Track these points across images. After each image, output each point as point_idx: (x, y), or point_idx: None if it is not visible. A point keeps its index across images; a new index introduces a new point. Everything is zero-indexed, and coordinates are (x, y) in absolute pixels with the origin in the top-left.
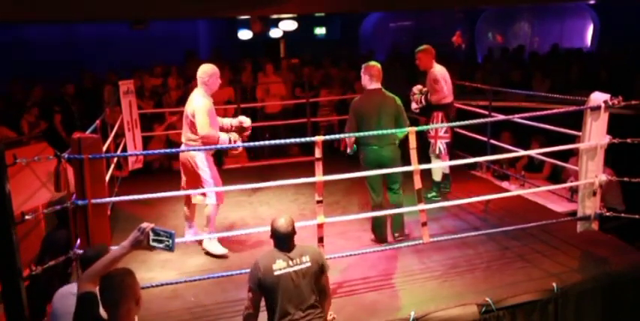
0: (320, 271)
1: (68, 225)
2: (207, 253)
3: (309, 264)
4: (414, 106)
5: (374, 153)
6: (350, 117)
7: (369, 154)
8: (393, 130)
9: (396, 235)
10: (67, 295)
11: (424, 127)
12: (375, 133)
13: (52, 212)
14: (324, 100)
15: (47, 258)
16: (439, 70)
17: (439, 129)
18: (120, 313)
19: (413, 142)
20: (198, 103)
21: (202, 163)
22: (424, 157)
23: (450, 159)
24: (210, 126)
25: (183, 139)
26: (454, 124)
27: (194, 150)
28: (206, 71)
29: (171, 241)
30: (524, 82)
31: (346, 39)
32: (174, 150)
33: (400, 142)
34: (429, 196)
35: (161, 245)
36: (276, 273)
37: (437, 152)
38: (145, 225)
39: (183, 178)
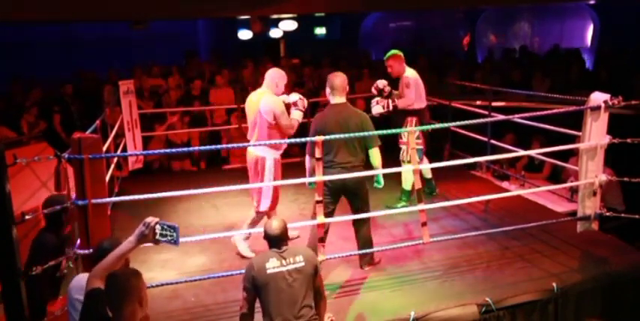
0: (314, 271)
1: (57, 228)
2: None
3: (302, 264)
4: (378, 110)
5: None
6: (310, 136)
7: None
8: (397, 130)
9: (365, 268)
10: (83, 284)
11: (424, 127)
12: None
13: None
14: (323, 101)
15: (36, 262)
16: (411, 75)
17: (412, 135)
18: (123, 314)
19: (413, 142)
20: (274, 103)
21: (270, 168)
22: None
23: (449, 159)
24: (290, 120)
25: (252, 140)
26: (454, 124)
27: (199, 150)
28: (283, 75)
29: (175, 234)
30: (524, 82)
31: (346, 39)
32: (174, 150)
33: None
34: (399, 205)
35: (166, 239)
36: (269, 271)
37: (406, 160)
38: (150, 219)
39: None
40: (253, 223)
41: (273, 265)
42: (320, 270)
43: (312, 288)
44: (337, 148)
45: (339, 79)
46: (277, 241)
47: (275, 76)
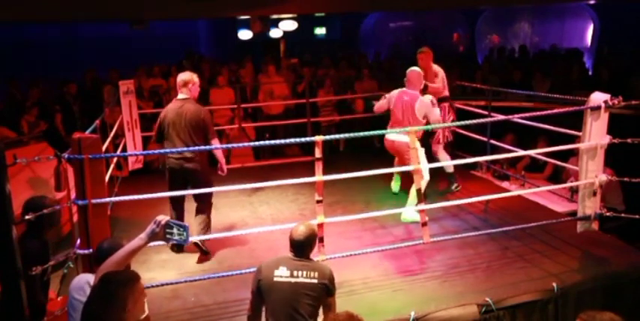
0: (326, 293)
1: (39, 232)
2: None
3: (315, 281)
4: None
5: (176, 165)
6: (155, 127)
7: (172, 166)
8: (397, 130)
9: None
10: (83, 285)
11: (424, 127)
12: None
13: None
14: (323, 101)
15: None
16: (437, 67)
17: (447, 119)
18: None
19: (413, 142)
20: (427, 100)
21: (421, 151)
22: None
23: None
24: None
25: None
26: (454, 124)
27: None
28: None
29: (185, 233)
30: (524, 82)
31: (346, 39)
32: (174, 150)
33: None
34: (452, 188)
35: (175, 238)
36: (275, 279)
37: (444, 141)
38: (160, 218)
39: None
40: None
41: (281, 274)
42: (334, 293)
43: (319, 307)
44: (175, 138)
45: (180, 78)
46: (297, 247)
47: (419, 78)
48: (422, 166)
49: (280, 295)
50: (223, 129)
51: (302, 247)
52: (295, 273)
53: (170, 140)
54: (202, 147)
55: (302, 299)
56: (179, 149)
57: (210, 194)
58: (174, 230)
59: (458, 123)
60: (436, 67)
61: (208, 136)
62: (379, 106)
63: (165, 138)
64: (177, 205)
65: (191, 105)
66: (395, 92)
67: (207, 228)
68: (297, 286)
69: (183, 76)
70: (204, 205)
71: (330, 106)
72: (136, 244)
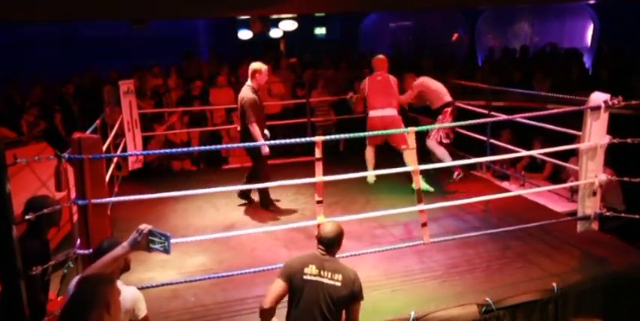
0: (350, 298)
1: (39, 232)
2: None
3: (338, 284)
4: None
5: None
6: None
7: None
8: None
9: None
10: None
11: (424, 128)
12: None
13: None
14: (317, 101)
15: (23, 269)
16: (422, 81)
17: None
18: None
19: (413, 142)
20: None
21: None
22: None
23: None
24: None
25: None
26: (454, 124)
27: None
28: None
29: (166, 243)
30: (524, 82)
31: (346, 39)
32: (174, 150)
33: None
34: (454, 176)
35: (158, 247)
36: (305, 277)
37: (438, 140)
38: (142, 227)
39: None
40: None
41: (310, 272)
42: (359, 300)
43: (341, 312)
44: None
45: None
46: (326, 244)
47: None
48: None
49: (307, 293)
50: (221, 129)
51: (331, 245)
52: (322, 273)
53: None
54: (202, 147)
55: (325, 300)
56: (183, 149)
57: (258, 171)
58: (157, 239)
59: (458, 123)
60: (421, 81)
61: (246, 120)
62: (358, 99)
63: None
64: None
65: (242, 91)
66: (366, 80)
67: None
68: (322, 286)
69: (253, 66)
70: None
71: (326, 107)
72: (118, 253)
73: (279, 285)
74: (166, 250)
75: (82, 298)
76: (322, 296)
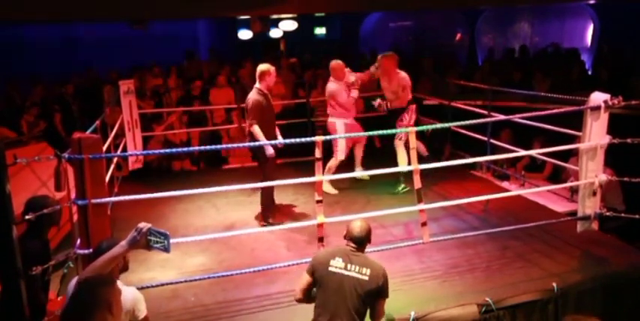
0: (376, 293)
1: (40, 232)
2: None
3: (366, 278)
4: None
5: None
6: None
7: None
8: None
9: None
10: None
11: (423, 128)
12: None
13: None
14: (316, 101)
15: (23, 269)
16: (405, 77)
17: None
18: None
19: (413, 142)
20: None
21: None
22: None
23: (449, 159)
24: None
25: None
26: (454, 124)
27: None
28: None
29: (166, 242)
30: (524, 82)
31: (346, 39)
32: (174, 150)
33: None
34: (400, 188)
35: (157, 246)
36: (330, 269)
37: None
38: (142, 225)
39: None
40: (330, 169)
41: (337, 265)
42: (386, 295)
43: (366, 306)
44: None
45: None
46: (358, 242)
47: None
48: (339, 147)
49: (332, 286)
50: (221, 129)
51: (362, 242)
52: (349, 266)
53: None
54: (202, 147)
55: (352, 294)
56: (183, 149)
57: (265, 175)
58: (156, 238)
59: (458, 123)
60: (404, 76)
61: (248, 122)
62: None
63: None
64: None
65: (250, 92)
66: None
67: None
68: (348, 279)
69: (260, 68)
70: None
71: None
72: (117, 252)
73: (304, 277)
74: (166, 249)
75: (83, 300)
76: (348, 289)
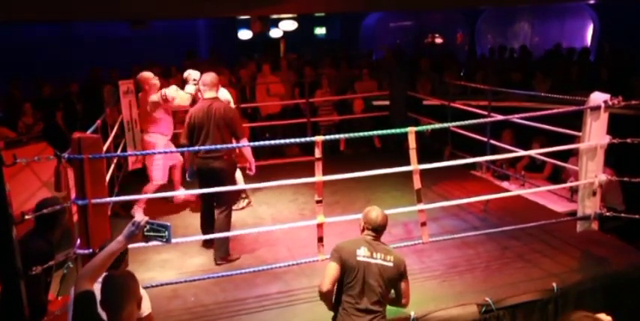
0: (400, 277)
1: (47, 232)
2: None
3: (391, 264)
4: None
5: (203, 164)
6: (184, 128)
7: (199, 166)
8: (400, 130)
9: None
10: None
11: (424, 128)
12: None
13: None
14: (320, 101)
15: (25, 269)
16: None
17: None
18: (122, 315)
19: (413, 142)
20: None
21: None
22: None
23: (449, 159)
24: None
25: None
26: (453, 124)
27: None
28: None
29: (167, 233)
30: (524, 82)
31: (346, 39)
32: (174, 150)
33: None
34: (242, 204)
35: (157, 236)
36: (358, 258)
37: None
38: (139, 218)
39: None
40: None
41: (363, 254)
42: (407, 277)
43: (390, 289)
44: (203, 137)
45: (209, 77)
46: (377, 230)
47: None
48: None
49: (361, 273)
50: None
51: (381, 230)
52: (375, 254)
53: (199, 140)
54: (201, 147)
55: (378, 281)
56: (183, 149)
57: (230, 198)
58: (155, 231)
59: (458, 123)
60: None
61: (237, 135)
62: None
63: (194, 139)
64: (207, 208)
65: (220, 104)
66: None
67: (223, 245)
68: (375, 266)
69: (214, 77)
70: (221, 209)
71: (329, 106)
72: (115, 248)
73: (333, 267)
74: (167, 240)
75: (115, 294)
76: (375, 276)
